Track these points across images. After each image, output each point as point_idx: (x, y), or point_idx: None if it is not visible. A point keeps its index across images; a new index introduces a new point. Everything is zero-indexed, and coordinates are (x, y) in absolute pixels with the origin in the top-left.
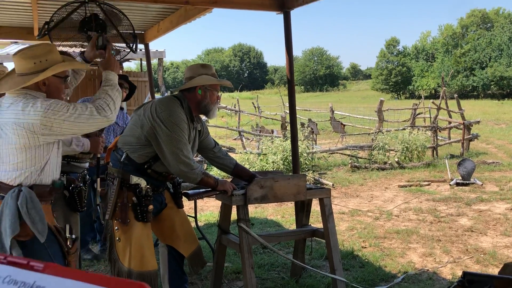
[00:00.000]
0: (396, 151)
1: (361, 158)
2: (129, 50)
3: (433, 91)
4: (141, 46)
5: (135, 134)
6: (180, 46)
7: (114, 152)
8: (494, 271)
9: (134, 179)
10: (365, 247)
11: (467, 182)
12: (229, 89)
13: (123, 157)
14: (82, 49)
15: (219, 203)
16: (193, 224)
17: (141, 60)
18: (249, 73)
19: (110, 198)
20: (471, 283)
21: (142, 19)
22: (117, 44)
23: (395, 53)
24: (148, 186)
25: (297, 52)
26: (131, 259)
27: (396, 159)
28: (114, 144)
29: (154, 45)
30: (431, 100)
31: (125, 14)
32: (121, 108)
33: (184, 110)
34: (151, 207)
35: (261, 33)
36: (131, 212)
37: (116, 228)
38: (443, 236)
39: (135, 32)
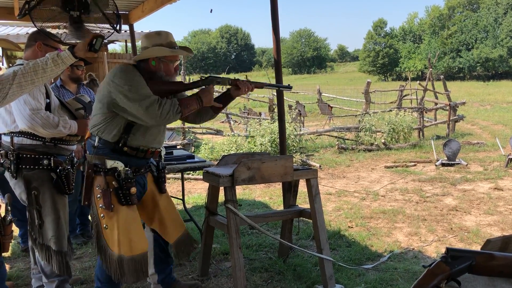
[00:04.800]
0: (382, 132)
1: (348, 139)
2: (113, 31)
3: (420, 73)
4: (125, 27)
5: (99, 111)
6: (167, 27)
7: (89, 140)
8: (477, 248)
9: (110, 163)
10: (352, 227)
11: (453, 162)
12: (217, 71)
13: (96, 141)
14: (66, 31)
15: (207, 185)
16: (181, 206)
17: (126, 41)
18: (236, 55)
19: (85, 185)
20: (454, 259)
21: None
22: (100, 25)
23: (382, 35)
24: (127, 169)
25: (284, 33)
26: (120, 245)
27: (383, 141)
28: (88, 133)
29: (139, 27)
30: (418, 82)
31: None
32: None
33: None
34: (133, 189)
35: (248, 14)
36: (114, 197)
37: (102, 215)
38: (428, 215)
39: (119, 12)
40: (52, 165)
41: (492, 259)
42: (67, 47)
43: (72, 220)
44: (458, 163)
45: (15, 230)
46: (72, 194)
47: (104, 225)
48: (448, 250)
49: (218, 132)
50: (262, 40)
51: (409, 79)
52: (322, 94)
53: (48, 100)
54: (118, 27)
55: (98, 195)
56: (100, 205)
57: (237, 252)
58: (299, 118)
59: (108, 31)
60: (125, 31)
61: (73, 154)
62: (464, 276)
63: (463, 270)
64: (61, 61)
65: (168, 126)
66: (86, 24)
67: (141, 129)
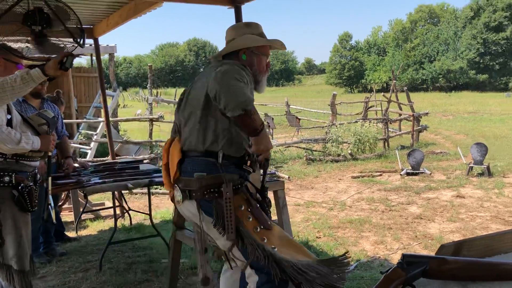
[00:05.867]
0: (349, 143)
1: (315, 151)
2: (76, 45)
3: (385, 85)
4: (90, 41)
5: (209, 123)
6: (133, 41)
7: (202, 159)
8: None
9: (237, 179)
10: (320, 237)
11: (417, 171)
12: (185, 84)
13: (220, 157)
14: (28, 46)
15: None
16: (147, 222)
17: (91, 55)
18: (205, 68)
19: (225, 214)
20: (410, 264)
21: (90, 13)
22: (63, 39)
23: (348, 48)
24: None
25: None
26: (301, 252)
27: (349, 151)
28: (178, 154)
29: (104, 40)
30: (382, 94)
31: (72, 8)
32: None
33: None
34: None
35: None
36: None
37: (263, 239)
38: (394, 224)
39: (83, 26)
40: (13, 182)
41: (445, 263)
42: (40, 63)
43: (35, 238)
44: (422, 172)
45: None
46: (35, 211)
47: (272, 246)
48: (404, 256)
49: None
50: None
51: (374, 91)
52: (290, 106)
53: (9, 116)
54: (81, 42)
55: (249, 217)
56: (256, 228)
57: (205, 267)
58: (268, 130)
59: (73, 45)
60: (90, 45)
61: (36, 170)
62: (419, 281)
63: (418, 274)
64: (30, 79)
65: (135, 140)
66: (49, 39)
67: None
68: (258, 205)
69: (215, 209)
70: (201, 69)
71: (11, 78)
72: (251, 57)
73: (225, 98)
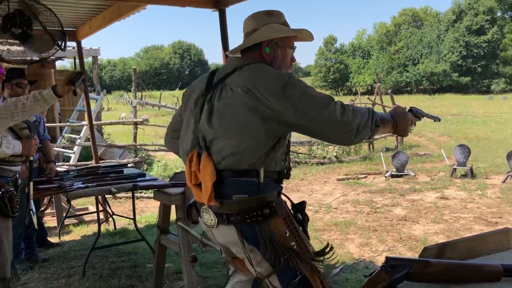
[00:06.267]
0: (334, 146)
1: (301, 153)
2: (58, 48)
3: (369, 87)
4: (73, 44)
5: (247, 141)
6: (118, 43)
7: (228, 181)
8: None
9: (277, 197)
10: None
11: (401, 173)
12: (170, 87)
13: (261, 175)
14: (9, 48)
15: (159, 203)
16: (132, 226)
17: (74, 58)
18: (190, 70)
19: (279, 245)
20: (393, 267)
21: (73, 15)
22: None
23: (333, 51)
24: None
25: None
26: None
27: (334, 154)
28: (212, 175)
29: (88, 43)
30: (367, 96)
31: (52, 10)
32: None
33: None
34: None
35: (201, 30)
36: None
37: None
38: (379, 226)
39: (64, 29)
40: None
41: (428, 266)
42: (21, 67)
43: (16, 244)
44: (406, 174)
45: None
46: (17, 217)
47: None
48: (388, 259)
49: None
50: (216, 55)
51: (359, 93)
52: None
53: None
54: (62, 45)
55: (293, 243)
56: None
57: (190, 271)
58: None
59: (55, 48)
60: (73, 48)
61: (17, 175)
62: (403, 284)
63: (402, 278)
64: (42, 99)
65: (119, 143)
66: (34, 39)
67: None
68: (301, 227)
69: (260, 235)
70: (186, 72)
71: (24, 98)
72: (275, 50)
73: (335, 135)
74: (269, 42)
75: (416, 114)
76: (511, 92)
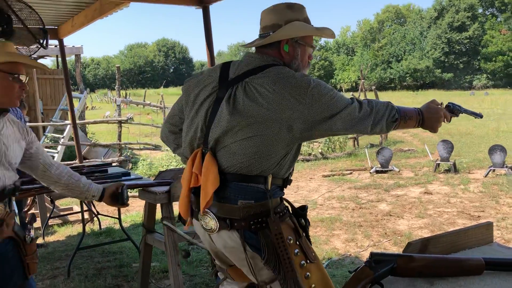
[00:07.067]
0: (319, 142)
1: None
2: (39, 47)
3: (354, 84)
4: (55, 42)
5: (265, 146)
6: (101, 41)
7: (234, 185)
8: None
9: (281, 203)
10: None
11: (386, 169)
12: (155, 85)
13: (269, 182)
14: None
15: (144, 202)
16: (117, 226)
17: (57, 56)
18: (174, 68)
19: (279, 254)
20: (378, 263)
21: (54, 13)
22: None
23: (317, 48)
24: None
25: (223, 47)
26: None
27: (320, 150)
28: (215, 179)
29: (70, 41)
30: (351, 93)
31: (33, 8)
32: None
33: None
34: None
35: (185, 28)
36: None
37: (307, 274)
38: (364, 221)
39: (46, 27)
40: None
41: (412, 261)
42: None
43: None
44: (391, 170)
45: None
46: None
47: (313, 286)
48: (372, 254)
49: (156, 148)
50: (200, 53)
51: (344, 90)
52: None
53: None
54: (44, 43)
55: (296, 250)
56: (302, 263)
57: (176, 270)
58: None
59: (37, 46)
60: (55, 46)
61: None
62: (387, 279)
63: (386, 273)
64: (86, 190)
65: (103, 142)
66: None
67: None
68: (305, 234)
69: (264, 242)
70: (171, 70)
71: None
72: (294, 48)
73: (354, 130)
74: (288, 40)
75: (453, 110)
76: (493, 87)
